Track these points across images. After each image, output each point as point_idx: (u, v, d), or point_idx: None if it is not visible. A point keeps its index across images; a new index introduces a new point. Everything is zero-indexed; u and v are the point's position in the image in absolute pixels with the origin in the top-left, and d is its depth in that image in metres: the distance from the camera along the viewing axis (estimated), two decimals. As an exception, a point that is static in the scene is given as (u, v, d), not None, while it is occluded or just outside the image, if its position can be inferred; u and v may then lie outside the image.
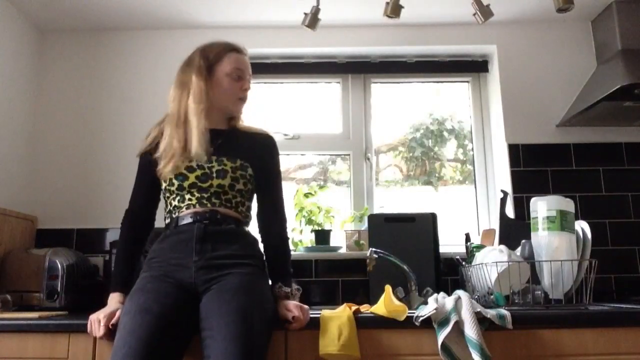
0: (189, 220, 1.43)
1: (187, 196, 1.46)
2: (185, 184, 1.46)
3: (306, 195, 2.22)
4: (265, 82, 2.49)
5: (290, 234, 1.59)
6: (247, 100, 1.59)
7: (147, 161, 1.52)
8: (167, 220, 1.50)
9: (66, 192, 2.19)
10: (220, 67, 1.53)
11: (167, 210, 1.51)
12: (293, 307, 1.37)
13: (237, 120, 1.60)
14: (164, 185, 1.50)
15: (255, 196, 1.57)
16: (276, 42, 2.33)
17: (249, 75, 1.58)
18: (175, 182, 1.46)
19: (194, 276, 1.35)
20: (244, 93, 1.57)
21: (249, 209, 1.55)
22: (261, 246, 1.52)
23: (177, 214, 1.46)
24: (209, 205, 1.45)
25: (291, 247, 1.58)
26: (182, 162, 1.46)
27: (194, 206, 1.45)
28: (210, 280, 1.34)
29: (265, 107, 2.46)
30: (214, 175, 1.46)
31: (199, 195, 1.45)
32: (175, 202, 1.48)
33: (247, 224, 1.53)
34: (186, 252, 1.38)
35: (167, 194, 1.51)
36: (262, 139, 1.59)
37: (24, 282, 1.78)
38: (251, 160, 1.52)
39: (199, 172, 1.46)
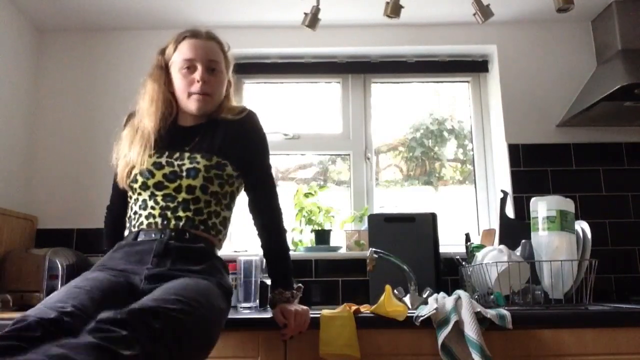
0: (150, 237, 1.27)
1: (150, 202, 1.31)
2: (150, 182, 1.31)
3: (306, 195, 2.22)
4: (265, 82, 2.50)
5: (289, 234, 1.51)
6: (210, 94, 1.38)
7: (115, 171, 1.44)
8: (126, 232, 1.37)
9: (66, 192, 2.19)
10: (172, 63, 1.40)
11: (128, 215, 1.38)
12: (288, 314, 1.31)
13: (220, 110, 1.42)
14: (127, 181, 1.36)
15: (244, 191, 1.45)
16: (276, 42, 2.33)
17: (205, 63, 1.36)
18: (140, 179, 1.32)
19: (142, 283, 1.20)
20: (196, 87, 1.36)
21: (224, 222, 1.38)
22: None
23: (136, 227, 1.31)
24: (173, 220, 1.28)
25: (291, 246, 1.53)
26: (140, 165, 1.33)
27: (155, 221, 1.29)
28: (158, 284, 1.17)
29: (265, 107, 2.46)
30: (184, 174, 1.31)
31: (164, 204, 1.30)
32: (136, 207, 1.34)
33: (219, 245, 1.38)
34: (140, 263, 1.23)
35: (130, 192, 1.37)
36: (240, 124, 1.41)
37: (24, 282, 1.78)
38: (230, 155, 1.36)
39: (167, 170, 1.31)
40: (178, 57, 1.38)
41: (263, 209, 1.42)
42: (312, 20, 1.91)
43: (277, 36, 2.33)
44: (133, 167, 1.35)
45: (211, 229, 1.34)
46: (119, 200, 1.47)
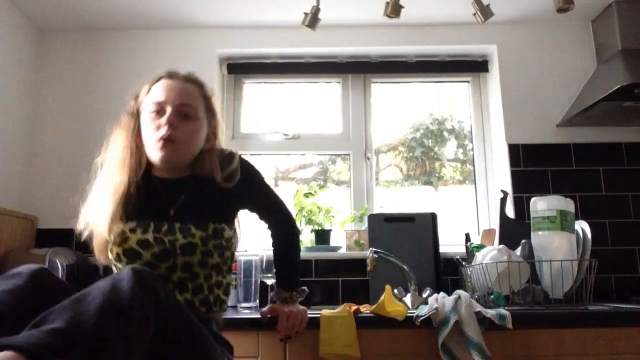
0: None
1: None
2: (138, 263, 1.13)
3: (306, 195, 2.22)
4: (265, 82, 2.50)
5: (300, 236, 1.46)
6: (175, 141, 1.17)
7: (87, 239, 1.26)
8: None
9: (66, 192, 2.17)
10: (142, 108, 1.24)
11: None
12: (280, 313, 1.32)
13: (205, 170, 1.23)
14: (110, 257, 1.19)
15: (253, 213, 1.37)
16: (276, 42, 2.33)
17: (176, 107, 1.18)
18: (124, 259, 1.15)
19: None
20: (161, 132, 1.17)
21: (227, 289, 1.25)
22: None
23: None
24: None
25: (300, 247, 1.50)
26: (125, 234, 1.15)
27: None
28: None
29: (265, 107, 2.46)
30: (178, 251, 1.14)
31: None
32: None
33: (221, 317, 1.27)
34: None
35: (114, 268, 1.20)
36: (233, 177, 1.25)
37: (24, 282, 1.78)
38: (228, 214, 1.24)
39: (157, 249, 1.14)
40: (148, 100, 1.23)
41: (275, 217, 1.40)
42: (312, 20, 1.91)
43: (277, 36, 2.33)
44: (111, 241, 1.17)
45: (213, 305, 1.20)
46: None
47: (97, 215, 1.20)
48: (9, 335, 0.74)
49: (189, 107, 1.22)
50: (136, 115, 1.25)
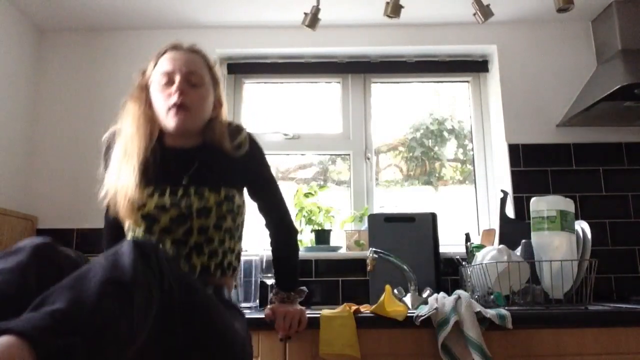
0: None
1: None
2: (156, 227, 1.19)
3: (306, 195, 2.22)
4: (265, 82, 2.50)
5: (298, 234, 1.48)
6: (188, 107, 1.23)
7: (107, 205, 1.28)
8: None
9: (66, 192, 2.19)
10: (151, 81, 1.29)
11: None
12: (277, 314, 1.33)
13: (215, 138, 1.30)
14: (128, 223, 1.24)
15: (252, 200, 1.42)
16: (276, 42, 2.33)
17: (184, 75, 1.25)
18: (142, 224, 1.20)
19: None
20: (173, 99, 1.23)
21: (239, 255, 1.33)
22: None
23: None
24: (186, 268, 1.19)
25: (299, 247, 1.51)
26: (142, 200, 1.20)
27: None
28: None
29: (265, 107, 2.46)
30: (194, 215, 1.20)
31: (175, 252, 1.19)
32: None
33: (233, 279, 1.32)
34: None
35: (132, 233, 1.24)
36: (241, 147, 1.31)
37: (24, 282, 1.78)
38: (237, 183, 1.30)
39: (174, 213, 1.20)
40: (157, 72, 1.28)
41: (272, 209, 1.41)
42: (312, 20, 1.91)
43: (277, 36, 2.33)
44: (132, 203, 1.21)
45: (227, 270, 1.26)
46: (116, 232, 1.31)
47: (119, 182, 1.23)
48: (15, 316, 0.72)
49: (196, 75, 1.27)
50: (146, 88, 1.30)
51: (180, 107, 1.23)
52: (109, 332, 0.76)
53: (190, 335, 0.96)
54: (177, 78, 1.24)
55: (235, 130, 1.34)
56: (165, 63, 1.27)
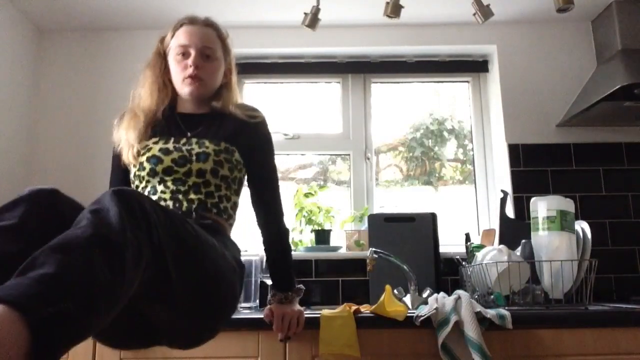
0: None
1: (160, 187, 1.31)
2: (159, 168, 1.30)
3: (306, 195, 2.22)
4: (265, 82, 2.50)
5: (290, 234, 1.49)
6: (202, 79, 1.38)
7: (116, 154, 1.43)
8: None
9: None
10: (169, 50, 1.42)
11: None
12: (276, 315, 1.33)
13: (224, 103, 1.43)
14: (133, 171, 1.36)
15: (248, 188, 1.45)
16: (276, 42, 2.33)
17: (199, 49, 1.37)
18: (147, 166, 1.31)
19: None
20: (189, 71, 1.36)
21: (234, 207, 1.39)
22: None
23: None
24: (185, 203, 1.28)
25: (291, 246, 1.51)
26: (148, 146, 1.33)
27: (166, 204, 1.28)
28: None
29: (265, 107, 2.46)
30: (194, 158, 1.30)
31: (174, 188, 1.29)
32: (144, 193, 1.31)
33: (229, 230, 1.38)
34: None
35: (137, 182, 1.35)
36: (252, 124, 1.42)
37: (24, 282, 1.78)
38: (239, 147, 1.38)
39: (175, 155, 1.31)
40: (174, 44, 1.41)
41: (266, 203, 1.42)
42: (312, 20, 1.91)
43: (277, 36, 2.33)
44: (138, 151, 1.34)
45: (223, 212, 1.33)
46: (121, 183, 1.42)
47: (129, 132, 1.36)
48: (19, 276, 0.69)
49: (210, 49, 1.40)
50: (163, 55, 1.44)
51: (194, 78, 1.37)
52: (100, 293, 0.74)
53: (180, 280, 0.95)
54: (193, 52, 1.37)
55: (252, 108, 1.47)
56: (182, 36, 1.40)
